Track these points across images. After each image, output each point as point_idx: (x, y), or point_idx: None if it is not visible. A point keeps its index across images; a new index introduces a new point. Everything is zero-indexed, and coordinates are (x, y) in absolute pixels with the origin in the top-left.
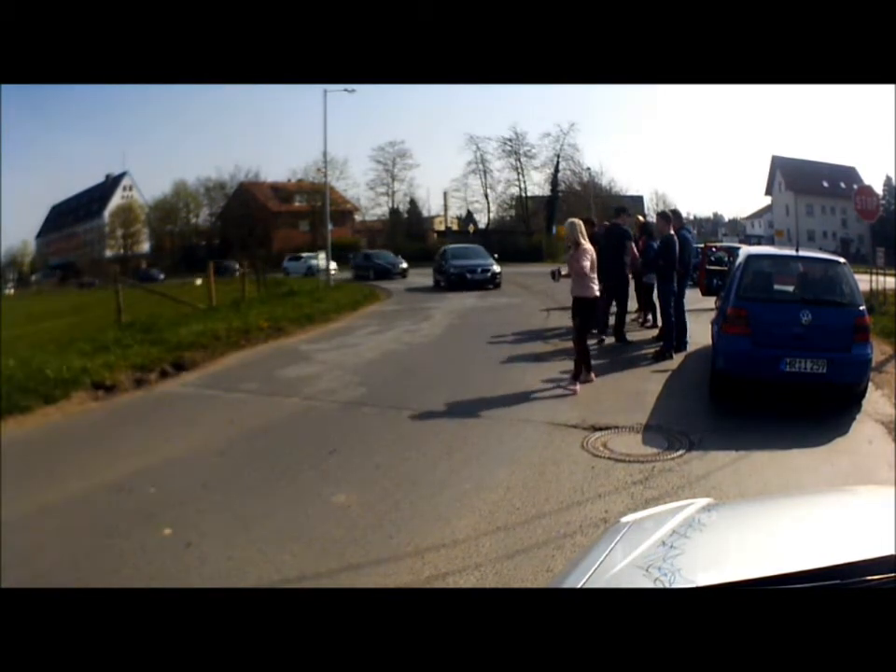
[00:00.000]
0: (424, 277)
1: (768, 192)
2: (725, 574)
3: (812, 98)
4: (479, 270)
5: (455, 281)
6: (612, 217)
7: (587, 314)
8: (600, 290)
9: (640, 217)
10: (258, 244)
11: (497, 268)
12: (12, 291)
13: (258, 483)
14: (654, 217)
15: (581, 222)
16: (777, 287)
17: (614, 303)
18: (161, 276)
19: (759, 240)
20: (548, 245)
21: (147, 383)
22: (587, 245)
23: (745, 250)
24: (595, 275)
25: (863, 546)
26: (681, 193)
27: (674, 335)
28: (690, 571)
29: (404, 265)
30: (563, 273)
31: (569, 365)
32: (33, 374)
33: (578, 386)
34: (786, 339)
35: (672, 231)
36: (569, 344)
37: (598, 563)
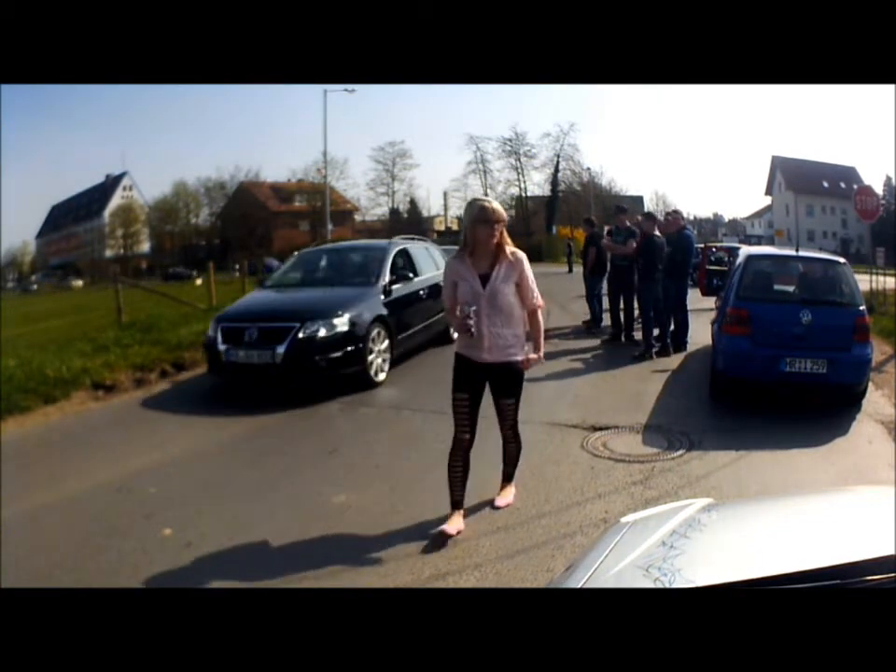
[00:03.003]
0: None
1: (768, 192)
2: (725, 574)
3: (812, 98)
4: (254, 335)
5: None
6: (616, 217)
7: (520, 387)
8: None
9: (639, 218)
10: (258, 244)
11: (341, 323)
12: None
13: (258, 483)
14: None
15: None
16: (777, 287)
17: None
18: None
19: (759, 240)
20: (548, 246)
21: (147, 383)
22: (519, 253)
23: (745, 250)
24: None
25: (863, 546)
26: (681, 193)
27: (651, 335)
28: (690, 571)
29: None
30: (469, 316)
31: (569, 365)
32: (33, 374)
33: (460, 524)
34: (786, 339)
35: (657, 232)
36: (569, 344)
37: (598, 563)
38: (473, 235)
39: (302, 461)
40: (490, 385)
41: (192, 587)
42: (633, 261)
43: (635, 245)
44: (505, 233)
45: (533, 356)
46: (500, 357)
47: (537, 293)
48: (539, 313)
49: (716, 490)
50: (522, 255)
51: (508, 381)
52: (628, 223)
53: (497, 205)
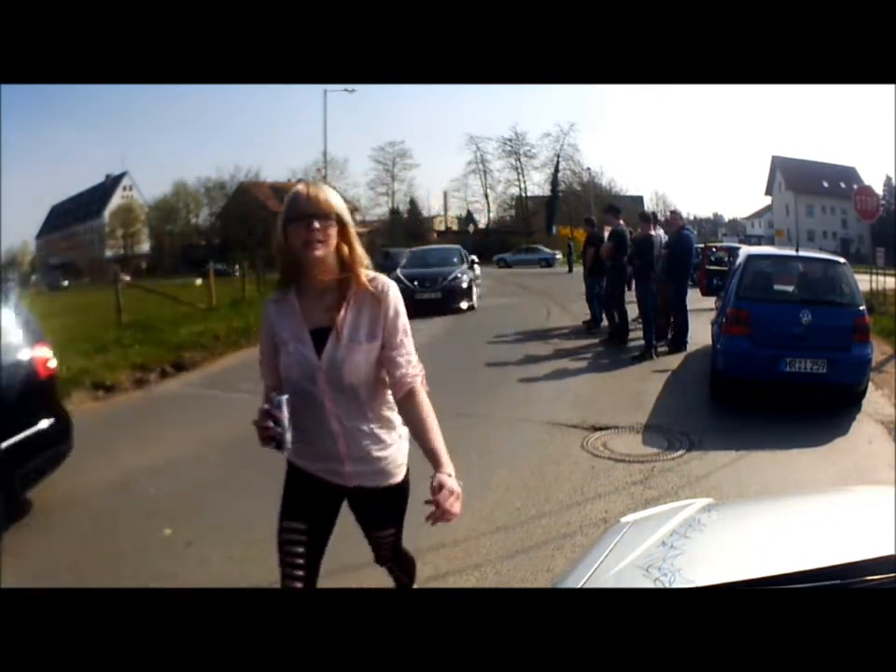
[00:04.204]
0: None
1: (768, 192)
2: (725, 574)
3: (812, 98)
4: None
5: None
6: (606, 218)
7: (404, 510)
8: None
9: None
10: (258, 244)
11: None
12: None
13: (258, 483)
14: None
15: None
16: (776, 287)
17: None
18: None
19: (759, 240)
20: (548, 245)
21: (146, 383)
22: (384, 281)
23: (745, 250)
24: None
25: (863, 546)
26: (681, 193)
27: (652, 335)
28: (690, 571)
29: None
30: (272, 412)
31: (569, 365)
32: None
33: None
34: (786, 339)
35: (652, 232)
36: (569, 344)
37: (598, 563)
38: (291, 247)
39: None
40: (355, 512)
41: (192, 587)
42: (614, 260)
43: (612, 245)
44: (356, 245)
45: (446, 483)
46: (375, 472)
47: (413, 357)
48: (423, 394)
49: (716, 490)
50: (388, 283)
51: (386, 507)
52: (622, 222)
53: (322, 189)
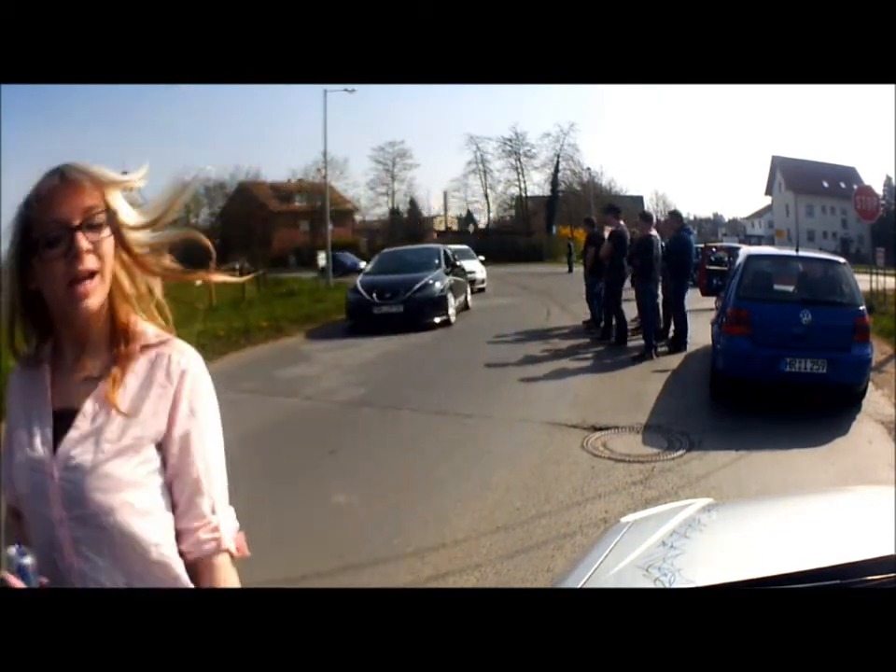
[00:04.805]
0: None
1: (768, 192)
2: (725, 574)
3: (812, 98)
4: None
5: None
6: (606, 218)
7: None
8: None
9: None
10: (258, 244)
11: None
12: None
13: (258, 483)
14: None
15: None
16: (776, 287)
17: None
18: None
19: (759, 240)
20: (548, 245)
21: None
22: (181, 348)
23: (745, 250)
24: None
25: (863, 546)
26: (681, 193)
27: (652, 335)
28: (690, 571)
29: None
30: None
31: (569, 365)
32: None
33: None
34: (786, 339)
35: (652, 232)
36: (569, 344)
37: (598, 563)
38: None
39: (302, 461)
40: None
41: (192, 587)
42: (613, 260)
43: (611, 245)
44: (139, 268)
45: None
46: None
47: (218, 501)
48: (224, 568)
49: (716, 490)
50: (191, 357)
51: None
52: (622, 222)
53: (83, 171)
